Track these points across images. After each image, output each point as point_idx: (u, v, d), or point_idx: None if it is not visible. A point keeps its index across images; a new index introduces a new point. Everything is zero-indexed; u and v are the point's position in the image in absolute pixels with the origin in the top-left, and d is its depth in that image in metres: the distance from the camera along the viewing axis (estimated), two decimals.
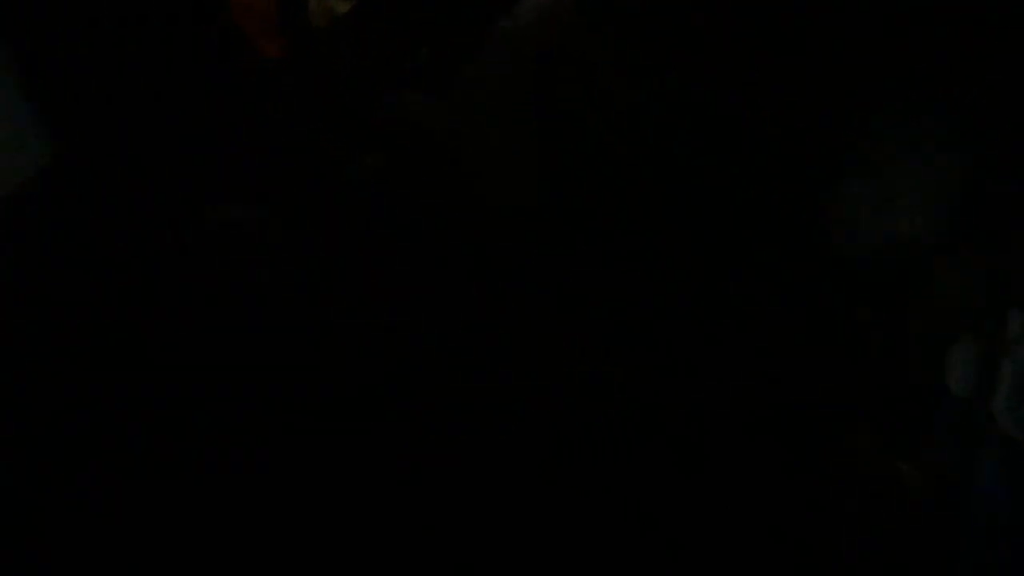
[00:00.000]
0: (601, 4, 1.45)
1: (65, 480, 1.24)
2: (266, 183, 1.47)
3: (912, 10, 1.27)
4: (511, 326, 1.39)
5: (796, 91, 1.34)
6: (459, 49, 1.55)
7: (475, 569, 1.13)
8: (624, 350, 1.34)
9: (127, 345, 1.33)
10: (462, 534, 1.15)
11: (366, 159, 1.49)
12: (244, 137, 1.49)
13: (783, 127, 1.34)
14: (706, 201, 1.39)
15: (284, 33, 1.56)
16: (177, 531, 1.18)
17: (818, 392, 1.26)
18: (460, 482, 1.21)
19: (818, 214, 1.35)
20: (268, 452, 1.25)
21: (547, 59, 1.45)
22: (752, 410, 1.25)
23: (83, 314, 1.35)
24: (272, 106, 1.53)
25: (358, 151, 1.51)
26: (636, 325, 1.38)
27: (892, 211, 1.29)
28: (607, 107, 1.42)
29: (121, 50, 1.46)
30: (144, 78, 1.48)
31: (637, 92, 1.41)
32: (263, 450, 1.26)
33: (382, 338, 1.38)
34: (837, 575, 1.12)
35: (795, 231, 1.37)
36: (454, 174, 1.48)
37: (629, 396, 1.28)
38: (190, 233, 1.41)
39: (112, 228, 1.42)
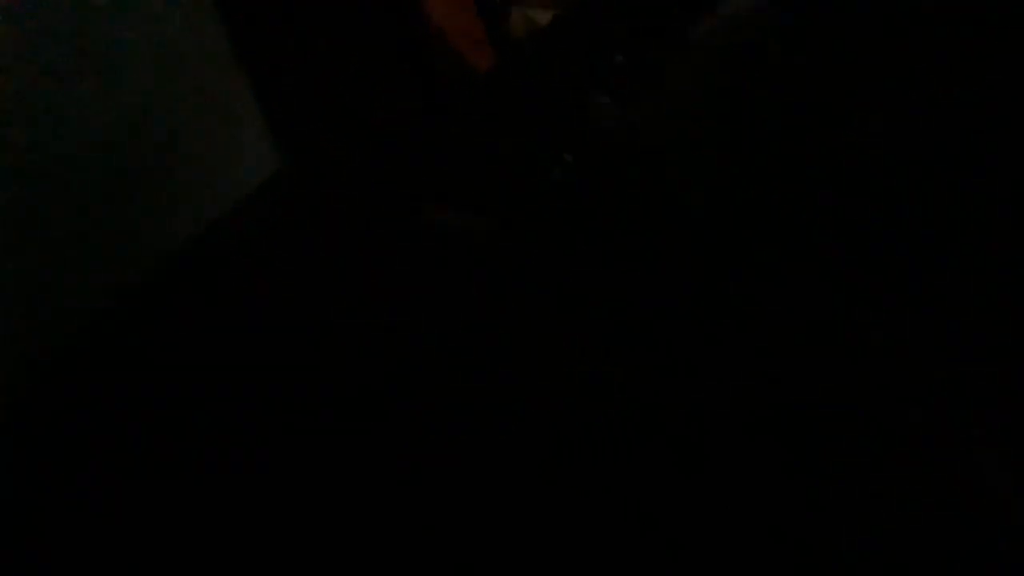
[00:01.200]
0: (795, 16, 1.51)
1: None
2: (477, 187, 1.58)
3: None
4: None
5: None
6: (651, 57, 1.66)
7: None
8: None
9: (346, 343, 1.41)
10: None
11: (565, 159, 1.58)
12: (456, 144, 1.62)
13: None
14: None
15: (491, 46, 1.70)
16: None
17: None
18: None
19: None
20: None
21: (737, 70, 1.53)
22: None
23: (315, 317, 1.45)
24: (484, 114, 1.65)
25: (558, 153, 1.59)
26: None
27: None
28: (797, 118, 1.46)
29: (344, 70, 1.64)
30: (365, 95, 1.65)
31: (831, 106, 1.46)
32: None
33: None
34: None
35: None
36: (639, 177, 1.55)
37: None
38: (412, 234, 1.52)
39: (340, 228, 1.55)
